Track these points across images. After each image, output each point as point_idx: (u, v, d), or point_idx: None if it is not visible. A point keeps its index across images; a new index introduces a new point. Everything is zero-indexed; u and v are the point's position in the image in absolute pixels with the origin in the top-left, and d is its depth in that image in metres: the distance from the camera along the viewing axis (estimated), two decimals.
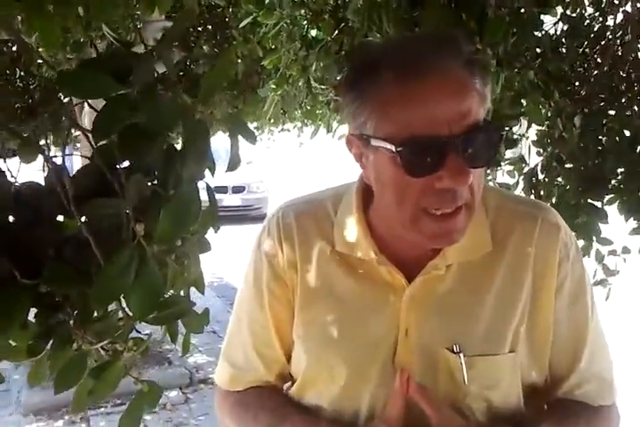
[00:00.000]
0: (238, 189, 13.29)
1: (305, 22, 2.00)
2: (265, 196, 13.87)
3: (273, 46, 2.21)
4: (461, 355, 1.03)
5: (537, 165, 2.42)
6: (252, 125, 6.32)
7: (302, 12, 1.98)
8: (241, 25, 2.39)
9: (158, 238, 0.75)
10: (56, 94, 5.34)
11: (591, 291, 1.13)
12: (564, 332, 1.09)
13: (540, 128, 2.38)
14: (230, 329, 1.25)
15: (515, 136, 1.89)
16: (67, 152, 0.91)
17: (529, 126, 1.94)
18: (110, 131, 0.78)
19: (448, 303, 1.06)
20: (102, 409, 4.78)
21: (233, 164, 0.83)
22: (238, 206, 13.16)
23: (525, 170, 2.46)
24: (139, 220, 0.77)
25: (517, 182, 2.44)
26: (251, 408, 1.19)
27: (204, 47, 4.97)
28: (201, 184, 0.81)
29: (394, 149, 0.90)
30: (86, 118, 4.99)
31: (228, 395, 1.24)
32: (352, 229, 1.10)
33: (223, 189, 13.23)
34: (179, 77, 5.90)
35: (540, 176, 2.43)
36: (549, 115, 2.34)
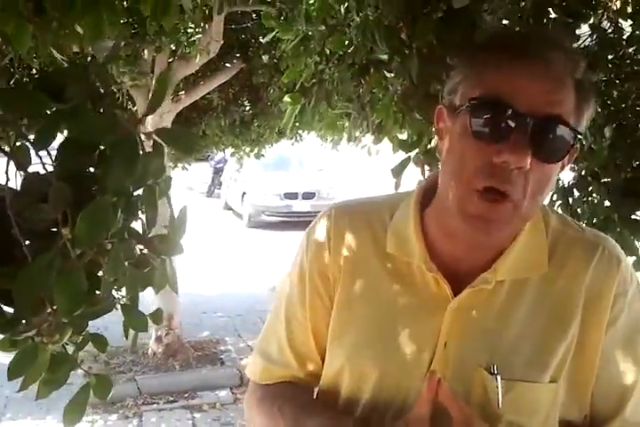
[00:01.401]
0: (308, 196, 13.42)
1: (321, 37, 2.05)
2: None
3: (292, 62, 2.27)
4: (498, 377, 1.00)
5: (570, 181, 2.38)
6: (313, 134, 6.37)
7: (319, 27, 2.03)
8: (264, 40, 2.47)
9: (76, 242, 0.82)
10: (127, 99, 5.56)
11: None
12: (611, 373, 1.06)
13: None
14: (268, 323, 1.25)
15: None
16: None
17: None
18: (46, 143, 0.86)
19: (492, 321, 1.04)
20: (154, 406, 4.96)
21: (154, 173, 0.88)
22: (308, 212, 13.27)
23: (559, 186, 2.42)
24: (67, 224, 0.85)
25: (553, 201, 2.39)
26: (277, 401, 1.18)
27: (263, 57, 5.12)
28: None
29: (468, 105, 0.94)
30: (149, 126, 5.17)
31: (258, 388, 1.24)
32: (406, 234, 1.09)
33: (293, 196, 13.41)
34: (241, 85, 6.07)
35: (576, 193, 2.38)
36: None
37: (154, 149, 0.88)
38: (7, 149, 0.87)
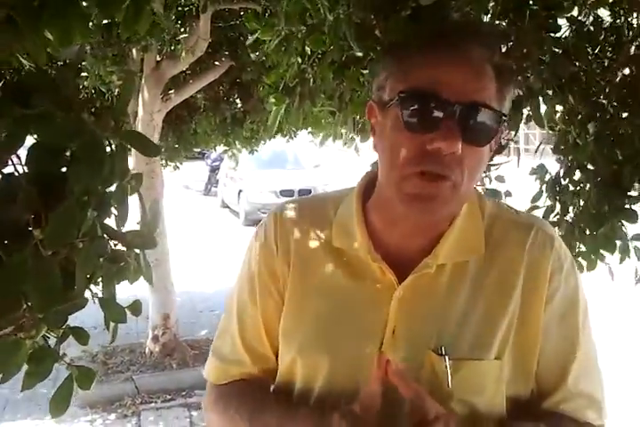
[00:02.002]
0: (304, 193, 13.42)
1: (301, 37, 2.07)
2: None
3: (274, 63, 2.30)
4: (447, 357, 1.04)
5: (558, 172, 2.41)
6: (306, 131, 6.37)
7: (298, 27, 2.05)
8: (247, 42, 2.49)
9: (47, 243, 0.85)
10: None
11: (585, 308, 1.13)
12: (551, 346, 1.10)
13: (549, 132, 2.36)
14: (221, 323, 1.28)
15: (503, 142, 1.90)
16: None
17: (516, 132, 1.95)
18: (13, 148, 0.89)
19: (437, 305, 1.08)
20: (152, 404, 5.00)
21: (120, 174, 0.91)
22: None
23: (547, 178, 2.45)
24: (38, 225, 0.88)
25: (541, 191, 2.42)
26: (234, 401, 1.21)
27: (252, 55, 5.12)
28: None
29: (398, 100, 0.99)
30: (139, 125, 5.20)
31: (214, 389, 1.27)
32: (350, 227, 1.14)
33: (289, 193, 13.41)
34: (231, 82, 6.08)
35: (563, 182, 2.41)
36: (565, 119, 2.32)
37: (117, 150, 0.91)
38: None
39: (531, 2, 2.03)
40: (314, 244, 1.16)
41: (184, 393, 5.07)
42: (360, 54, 1.81)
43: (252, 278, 1.20)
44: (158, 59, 5.12)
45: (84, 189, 0.89)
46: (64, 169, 0.91)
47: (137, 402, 5.00)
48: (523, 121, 1.97)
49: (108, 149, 0.93)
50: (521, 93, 1.92)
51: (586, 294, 1.15)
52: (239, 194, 14.36)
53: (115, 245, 1.09)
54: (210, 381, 1.29)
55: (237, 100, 6.38)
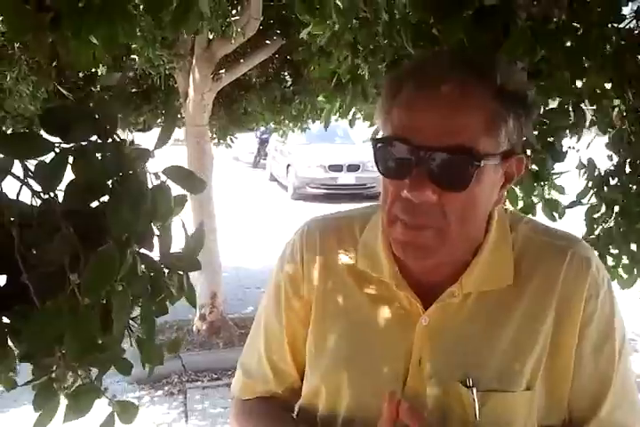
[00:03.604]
0: (353, 168, 13.35)
1: (352, 31, 1.99)
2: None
3: (324, 59, 2.23)
4: (474, 389, 1.02)
5: (607, 169, 2.30)
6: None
7: (350, 21, 1.97)
8: (301, 35, 2.42)
9: (83, 291, 0.81)
10: (168, 81, 5.58)
11: (622, 335, 1.09)
12: (585, 375, 1.06)
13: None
14: (248, 339, 1.28)
15: (565, 148, 1.81)
16: None
17: (579, 138, 1.85)
18: (53, 185, 0.84)
19: (464, 334, 1.06)
20: (199, 383, 5.06)
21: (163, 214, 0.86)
22: (353, 185, 13.25)
23: (595, 174, 2.34)
24: (74, 270, 0.83)
25: (587, 188, 2.33)
26: (253, 418, 1.22)
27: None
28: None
29: (375, 145, 0.98)
30: (190, 105, 5.18)
31: (237, 403, 1.28)
32: (375, 250, 1.11)
33: (338, 168, 13.36)
34: (282, 61, 5.99)
35: (612, 182, 2.31)
36: (622, 116, 2.21)
37: (160, 189, 0.86)
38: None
39: None
40: (339, 265, 1.14)
41: (229, 373, 5.10)
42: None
43: (279, 298, 1.19)
44: (210, 37, 5.06)
45: (124, 229, 0.85)
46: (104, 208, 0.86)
47: (184, 380, 5.06)
48: (587, 125, 1.86)
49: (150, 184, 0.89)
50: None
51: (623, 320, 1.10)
52: (287, 168, 14.35)
53: (156, 276, 1.05)
54: (234, 394, 1.29)
55: (288, 79, 6.30)
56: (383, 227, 1.05)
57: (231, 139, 7.01)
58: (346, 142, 14.52)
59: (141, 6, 1.52)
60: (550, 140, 1.72)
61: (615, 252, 2.14)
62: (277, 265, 1.22)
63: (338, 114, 2.32)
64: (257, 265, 8.07)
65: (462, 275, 1.05)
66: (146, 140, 1.05)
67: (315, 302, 1.15)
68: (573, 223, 2.36)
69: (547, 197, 1.92)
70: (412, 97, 0.95)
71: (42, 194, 0.86)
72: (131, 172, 0.85)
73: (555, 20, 1.77)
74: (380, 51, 1.88)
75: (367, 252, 1.12)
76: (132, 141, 0.88)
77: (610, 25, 1.99)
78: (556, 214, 1.91)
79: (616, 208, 2.24)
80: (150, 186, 0.89)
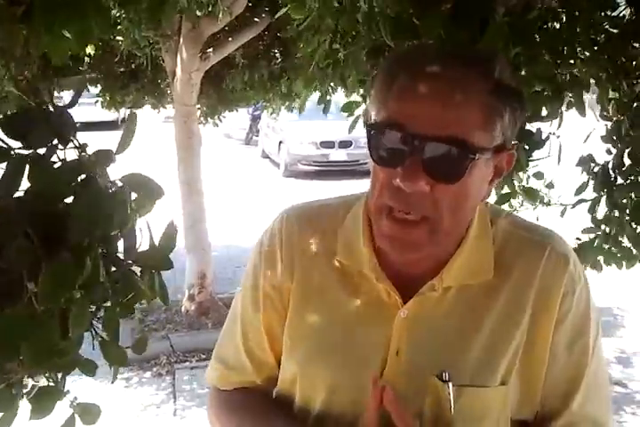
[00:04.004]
0: (345, 144, 13.28)
1: (333, 16, 1.96)
2: None
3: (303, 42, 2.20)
4: (450, 384, 1.02)
5: (607, 162, 2.28)
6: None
7: (331, 6, 1.94)
8: (276, 16, 2.39)
9: (40, 300, 0.80)
10: (155, 61, 5.53)
11: (596, 331, 1.10)
12: (558, 370, 1.07)
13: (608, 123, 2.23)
14: (224, 328, 1.27)
15: (544, 135, 1.79)
16: None
17: (560, 125, 1.83)
18: (11, 190, 0.83)
19: (442, 328, 1.06)
20: (187, 363, 5.09)
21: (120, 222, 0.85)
22: (345, 161, 13.21)
23: (596, 169, 2.32)
24: (31, 279, 0.83)
25: (587, 183, 2.30)
26: (238, 412, 1.21)
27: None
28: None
29: (367, 130, 0.96)
30: (178, 84, 5.13)
31: (217, 393, 1.27)
32: (356, 241, 1.10)
33: (330, 144, 13.31)
34: (271, 38, 5.93)
35: (613, 175, 2.29)
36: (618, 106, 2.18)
37: (117, 197, 0.85)
38: None
39: None
40: (318, 256, 1.13)
41: None
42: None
43: (256, 287, 1.17)
44: (198, 14, 4.99)
45: (82, 237, 0.84)
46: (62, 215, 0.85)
47: (172, 361, 5.09)
48: (564, 110, 1.83)
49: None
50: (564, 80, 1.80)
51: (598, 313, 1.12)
52: (279, 145, 14.28)
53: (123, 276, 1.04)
54: (212, 385, 1.28)
55: (278, 56, 6.24)
56: (370, 215, 1.04)
57: (219, 118, 6.96)
58: (338, 119, 14.38)
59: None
60: (528, 128, 1.70)
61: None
62: (254, 253, 1.20)
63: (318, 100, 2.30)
64: (248, 243, 8.01)
65: (443, 268, 1.05)
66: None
67: (293, 291, 1.14)
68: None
69: (525, 185, 1.91)
70: (409, 86, 0.93)
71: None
72: (89, 178, 0.84)
73: (539, 6, 1.75)
74: (361, 39, 1.85)
75: (347, 242, 1.11)
76: (124, 119, 0.86)
77: (602, 13, 1.97)
78: (538, 203, 1.90)
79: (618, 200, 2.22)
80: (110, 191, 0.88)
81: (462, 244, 1.06)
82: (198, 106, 5.88)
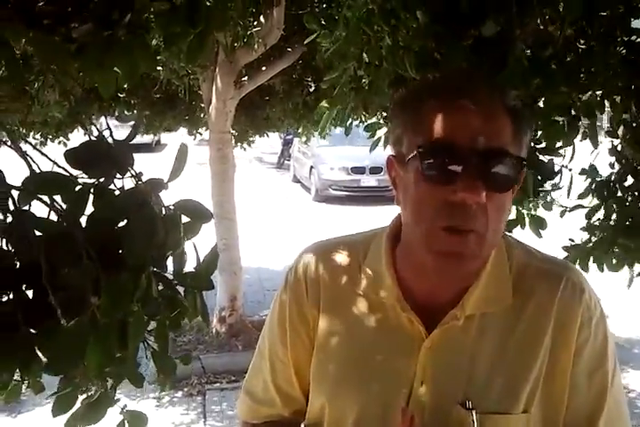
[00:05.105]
0: (376, 171, 13.37)
1: (359, 45, 2.07)
2: None
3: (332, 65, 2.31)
4: (473, 412, 1.04)
5: (611, 174, 2.34)
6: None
7: (357, 36, 2.05)
8: (305, 42, 2.51)
9: (102, 313, 0.90)
10: (193, 88, 5.70)
11: (614, 359, 1.13)
12: (580, 398, 1.09)
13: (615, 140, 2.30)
14: (253, 361, 1.30)
15: (557, 167, 1.87)
16: None
17: (572, 157, 1.91)
18: (76, 218, 0.94)
19: (464, 357, 1.08)
20: (217, 385, 5.17)
21: (173, 244, 0.96)
22: (375, 187, 13.29)
23: (597, 179, 2.38)
24: (95, 293, 0.93)
25: (588, 191, 2.36)
26: None
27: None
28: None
29: (416, 154, 0.99)
30: (213, 112, 5.28)
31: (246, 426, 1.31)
32: (379, 273, 1.13)
33: (361, 170, 13.43)
34: (304, 67, 6.07)
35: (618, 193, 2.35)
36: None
37: (171, 222, 0.95)
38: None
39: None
40: (342, 288, 1.16)
41: None
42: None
43: (283, 321, 1.20)
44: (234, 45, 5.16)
45: (138, 258, 0.94)
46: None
47: (203, 382, 5.18)
48: (579, 139, 1.91)
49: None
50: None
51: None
52: (311, 170, 14.44)
53: (171, 294, 1.14)
54: (242, 419, 1.32)
55: (312, 85, 6.38)
56: (416, 243, 1.04)
57: (249, 143, 7.11)
58: (368, 145, 14.49)
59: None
60: (542, 158, 1.78)
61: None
62: (281, 290, 1.23)
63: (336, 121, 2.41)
64: (279, 266, 8.14)
65: (463, 297, 1.07)
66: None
67: (320, 326, 1.17)
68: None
69: (532, 213, 1.98)
70: (449, 104, 0.98)
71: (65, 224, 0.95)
72: (145, 204, 0.94)
73: (555, 39, 1.83)
74: (385, 69, 1.95)
75: (371, 274, 1.14)
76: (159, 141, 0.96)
77: (620, 39, 2.05)
78: (541, 231, 1.97)
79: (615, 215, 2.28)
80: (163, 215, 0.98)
81: (482, 271, 1.09)
82: (232, 131, 6.03)
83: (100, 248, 0.94)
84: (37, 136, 5.69)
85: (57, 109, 4.10)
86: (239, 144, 7.13)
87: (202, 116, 6.41)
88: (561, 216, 2.34)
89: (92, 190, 0.94)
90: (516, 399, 1.06)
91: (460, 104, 0.98)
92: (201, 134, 6.34)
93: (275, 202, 12.95)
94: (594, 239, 2.27)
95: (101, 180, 0.95)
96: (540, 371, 1.08)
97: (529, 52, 1.60)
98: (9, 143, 1.14)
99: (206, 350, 5.57)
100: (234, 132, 6.66)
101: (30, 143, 1.02)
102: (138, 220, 0.93)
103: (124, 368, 0.99)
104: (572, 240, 2.30)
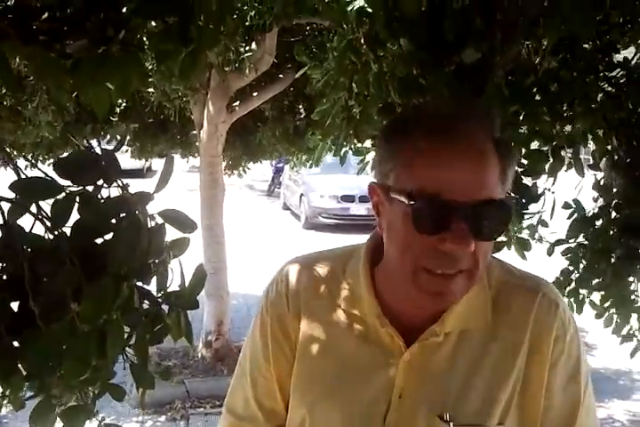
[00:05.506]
0: (365, 199, 13.39)
1: (348, 75, 2.12)
2: None
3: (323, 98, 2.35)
4: (451, 424, 1.07)
5: (592, 209, 2.37)
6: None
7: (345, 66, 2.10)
8: (296, 75, 2.56)
9: (81, 319, 0.91)
10: (184, 113, 5.75)
11: (587, 372, 1.16)
12: (555, 409, 1.13)
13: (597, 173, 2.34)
14: (234, 378, 1.31)
15: (540, 190, 1.91)
16: None
17: (554, 181, 1.95)
18: (61, 223, 0.95)
19: (443, 371, 1.11)
20: (201, 409, 5.12)
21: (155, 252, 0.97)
22: (365, 216, 13.33)
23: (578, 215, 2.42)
24: (75, 300, 0.94)
25: (572, 226, 2.39)
26: None
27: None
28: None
29: (407, 202, 0.97)
30: (204, 135, 5.32)
31: None
32: (358, 289, 1.15)
33: (350, 199, 13.50)
34: (296, 94, 6.13)
35: (598, 223, 2.38)
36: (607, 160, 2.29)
37: (155, 230, 0.97)
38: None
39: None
40: (322, 303, 1.18)
41: None
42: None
43: (265, 335, 1.22)
44: (225, 69, 5.22)
45: (121, 264, 0.95)
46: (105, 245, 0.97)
47: (187, 406, 5.13)
48: (564, 169, 1.95)
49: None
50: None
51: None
52: (301, 197, 14.49)
53: (153, 309, 1.14)
54: None
55: (302, 111, 6.44)
56: (400, 275, 1.04)
57: (244, 169, 7.15)
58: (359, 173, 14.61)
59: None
60: (525, 182, 1.82)
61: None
62: (262, 303, 1.25)
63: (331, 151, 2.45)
64: None
65: (443, 315, 1.10)
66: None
67: (300, 340, 1.18)
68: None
69: (518, 235, 2.01)
70: (439, 149, 0.97)
71: (52, 231, 0.97)
72: (130, 213, 0.96)
73: (537, 68, 1.88)
74: (373, 97, 1.99)
75: (350, 291, 1.16)
76: (150, 167, 0.98)
77: (601, 73, 2.10)
78: (526, 253, 2.00)
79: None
80: (149, 226, 1.00)
81: None
82: (223, 157, 6.06)
83: (83, 255, 0.95)
84: (29, 157, 5.71)
85: (49, 130, 4.13)
86: (235, 171, 7.16)
87: (195, 141, 6.46)
88: (549, 254, 2.35)
89: (77, 198, 0.95)
90: (492, 412, 1.09)
91: (453, 150, 0.97)
92: (195, 157, 6.37)
93: (264, 229, 12.96)
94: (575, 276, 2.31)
95: (88, 188, 0.97)
96: (516, 384, 1.10)
97: (510, 78, 1.64)
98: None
99: (191, 375, 5.52)
100: (227, 158, 6.71)
101: (18, 167, 1.04)
102: (123, 228, 0.95)
103: (101, 376, 0.99)
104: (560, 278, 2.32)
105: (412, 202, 0.97)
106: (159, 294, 1.13)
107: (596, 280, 2.16)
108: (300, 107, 6.44)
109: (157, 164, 15.11)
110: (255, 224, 13.16)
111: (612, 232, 2.21)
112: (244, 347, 1.29)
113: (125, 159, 8.70)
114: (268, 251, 10.67)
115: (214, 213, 5.58)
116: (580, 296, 2.23)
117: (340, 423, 1.14)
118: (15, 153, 5.08)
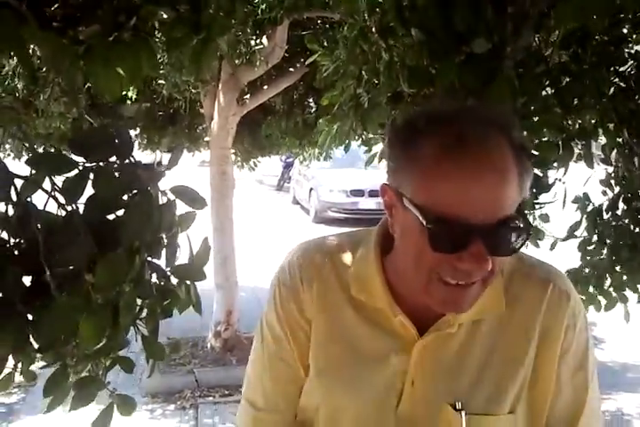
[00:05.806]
0: (374, 194, 13.41)
1: (358, 63, 2.14)
2: None
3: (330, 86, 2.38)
4: (463, 413, 1.08)
5: (602, 204, 2.42)
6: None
7: (355, 54, 2.13)
8: (306, 63, 2.59)
9: (96, 289, 0.95)
10: (194, 105, 5.79)
11: (594, 362, 1.17)
12: (563, 398, 1.14)
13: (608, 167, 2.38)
14: (248, 372, 1.29)
15: (550, 180, 1.93)
16: None
17: (565, 171, 1.97)
18: (75, 197, 0.99)
19: (456, 361, 1.11)
20: (210, 398, 5.16)
21: (167, 226, 1.01)
22: (374, 210, 13.33)
23: (589, 209, 2.46)
24: (90, 271, 0.98)
25: (580, 221, 2.44)
26: None
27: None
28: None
29: (424, 223, 0.93)
30: (215, 127, 5.36)
31: None
32: (368, 277, 1.13)
33: (360, 193, 13.51)
34: (306, 87, 6.16)
35: (605, 216, 2.42)
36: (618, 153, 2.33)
37: (166, 205, 1.00)
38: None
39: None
40: (334, 290, 1.17)
41: (241, 389, 5.17)
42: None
43: (281, 320, 1.20)
44: (236, 62, 5.25)
45: (133, 238, 0.99)
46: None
47: (196, 395, 5.18)
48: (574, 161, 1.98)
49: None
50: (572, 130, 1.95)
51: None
52: (310, 192, 14.53)
53: (163, 281, 1.18)
54: None
55: (312, 105, 6.46)
56: (413, 281, 1.02)
57: (254, 162, 7.18)
58: (368, 167, 14.62)
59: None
60: (537, 172, 1.84)
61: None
62: (275, 290, 1.22)
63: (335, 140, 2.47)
64: None
65: None
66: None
67: (315, 326, 1.17)
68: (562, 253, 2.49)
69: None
70: (456, 167, 0.92)
71: (66, 206, 1.01)
72: (142, 189, 1.00)
73: (547, 60, 1.91)
74: (382, 85, 2.02)
75: (360, 279, 1.14)
76: (160, 162, 1.02)
77: (612, 67, 2.12)
78: (539, 242, 2.03)
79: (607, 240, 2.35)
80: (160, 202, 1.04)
81: None
82: (233, 150, 6.10)
83: (96, 229, 0.99)
84: (40, 150, 5.76)
85: (61, 121, 4.18)
86: (245, 164, 7.19)
87: (203, 133, 6.49)
88: (551, 249, 2.38)
89: (91, 174, 0.99)
90: (503, 401, 1.11)
91: (473, 163, 0.92)
92: (201, 151, 6.40)
93: (274, 223, 13.00)
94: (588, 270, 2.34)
95: (101, 164, 1.01)
96: (527, 374, 1.12)
97: (520, 70, 1.66)
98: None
99: (200, 365, 5.57)
100: (238, 152, 6.74)
101: (34, 148, 1.08)
102: (135, 203, 0.98)
103: (114, 346, 1.03)
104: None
105: (429, 225, 0.93)
106: (168, 269, 1.18)
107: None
108: (310, 100, 6.45)
109: (167, 159, 15.10)
110: (265, 218, 13.21)
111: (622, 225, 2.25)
112: (256, 336, 1.27)
113: (135, 155, 8.79)
114: (278, 245, 10.69)
115: (224, 204, 5.63)
116: (591, 288, 2.26)
117: (353, 410, 1.15)
118: (27, 145, 5.13)
